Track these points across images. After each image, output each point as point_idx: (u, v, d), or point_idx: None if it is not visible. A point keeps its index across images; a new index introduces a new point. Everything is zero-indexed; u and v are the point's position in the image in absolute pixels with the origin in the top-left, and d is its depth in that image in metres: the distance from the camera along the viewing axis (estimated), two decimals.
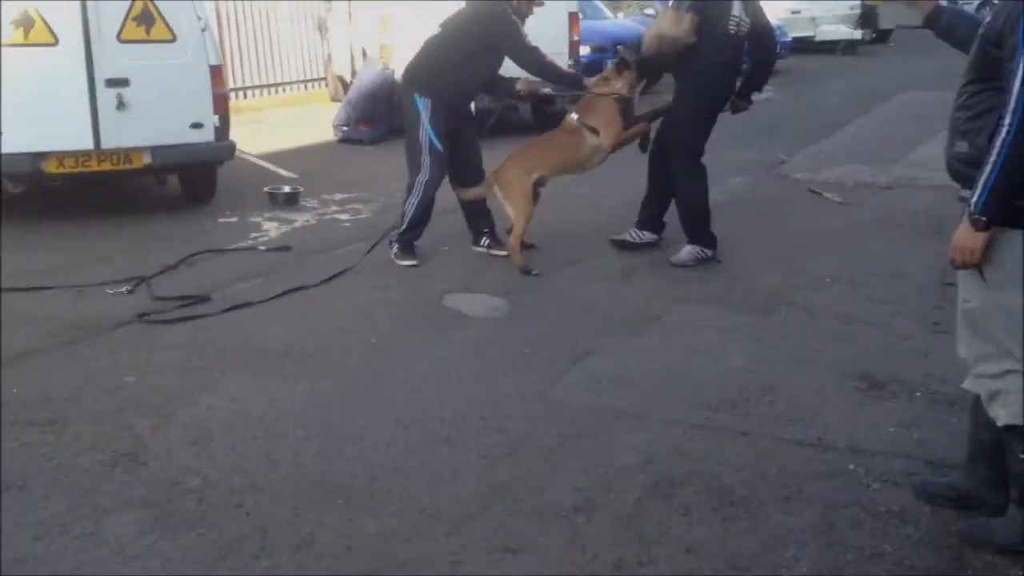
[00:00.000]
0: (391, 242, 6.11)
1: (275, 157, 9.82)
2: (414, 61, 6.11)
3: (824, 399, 4.04)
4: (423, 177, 5.95)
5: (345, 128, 10.85)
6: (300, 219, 7.32)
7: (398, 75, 10.64)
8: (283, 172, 9.08)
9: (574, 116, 6.04)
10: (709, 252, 5.95)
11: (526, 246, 6.12)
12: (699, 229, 5.98)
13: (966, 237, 2.83)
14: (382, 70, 10.77)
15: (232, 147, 7.44)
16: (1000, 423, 2.94)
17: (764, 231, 6.80)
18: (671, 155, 5.95)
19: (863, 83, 15.57)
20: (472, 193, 6.11)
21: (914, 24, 3.32)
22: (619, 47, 6.13)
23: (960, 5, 24.09)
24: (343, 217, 7.39)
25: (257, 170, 9.25)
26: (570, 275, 5.80)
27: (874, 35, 21.13)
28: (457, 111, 6.02)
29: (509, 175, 5.97)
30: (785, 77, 16.35)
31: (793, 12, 20.10)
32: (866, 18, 21.94)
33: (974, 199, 2.77)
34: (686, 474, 3.46)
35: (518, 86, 6.23)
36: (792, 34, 18.35)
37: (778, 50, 16.71)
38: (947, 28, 3.30)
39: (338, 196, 8.08)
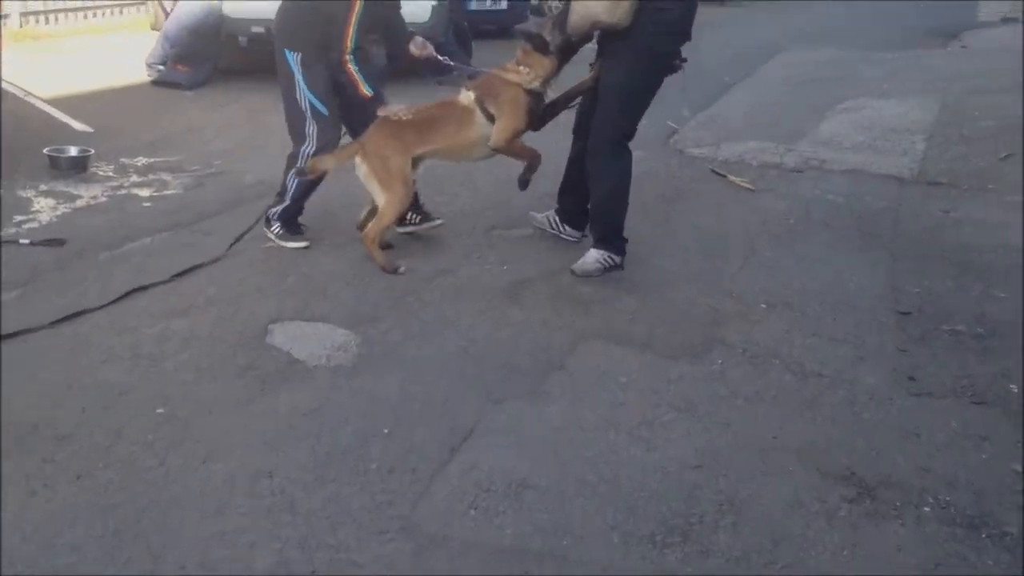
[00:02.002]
0: (269, 220, 4.87)
1: (70, 102, 7.95)
2: (281, 8, 4.76)
3: (805, 521, 2.87)
4: (308, 148, 4.75)
5: (161, 68, 9.03)
6: (86, 194, 5.64)
7: (226, 8, 9.00)
8: (75, 124, 7.27)
9: (470, 93, 4.71)
10: (617, 259, 4.74)
11: (382, 246, 4.77)
12: (614, 231, 4.77)
13: None
14: (207, 1, 8.98)
15: None
16: None
17: (670, 227, 5.62)
18: (596, 140, 4.68)
19: (738, 37, 14.62)
20: (322, 163, 4.66)
21: None
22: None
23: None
24: (143, 193, 5.75)
25: (43, 120, 7.39)
26: (441, 292, 4.45)
27: None
28: (336, 64, 4.64)
29: (382, 148, 4.59)
30: None
31: None
32: None
33: None
34: None
35: (412, 48, 4.89)
36: None
37: None
38: None
39: (141, 160, 6.42)
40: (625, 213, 4.77)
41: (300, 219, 4.98)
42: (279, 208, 4.88)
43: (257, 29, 8.93)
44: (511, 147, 4.75)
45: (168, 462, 3.00)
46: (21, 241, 4.75)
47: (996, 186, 6.54)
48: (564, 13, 4.57)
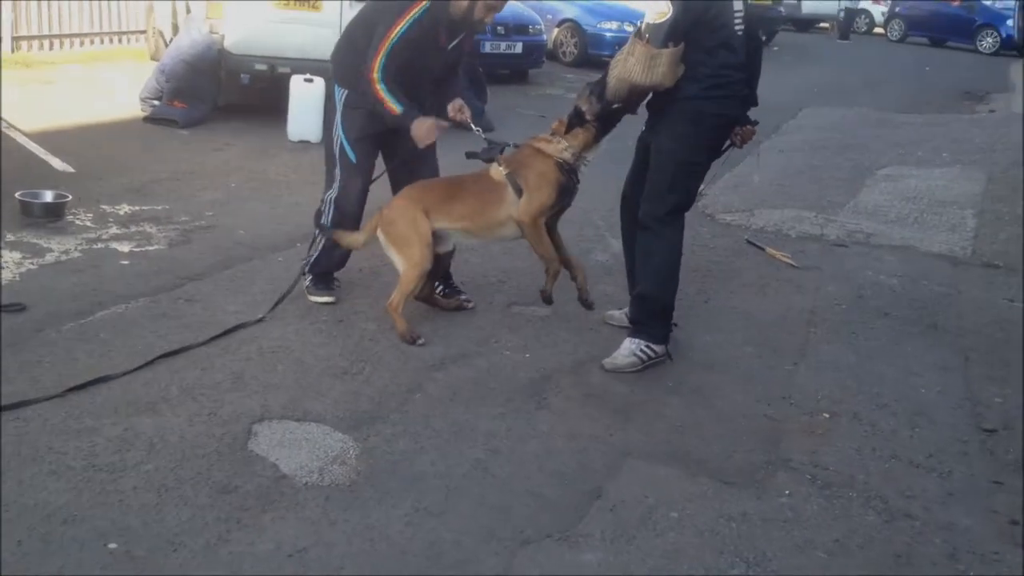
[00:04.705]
0: (303, 273, 4.64)
1: (54, 137, 7.38)
2: (339, 41, 4.58)
3: None
4: (331, 194, 4.51)
5: (155, 103, 8.46)
6: (57, 248, 5.01)
7: (228, 43, 8.45)
8: (55, 162, 6.70)
9: (501, 168, 4.22)
10: (657, 350, 4.14)
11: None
12: (654, 317, 4.18)
13: None
14: (208, 34, 8.43)
15: None
16: None
17: (709, 309, 5.03)
18: (646, 212, 4.12)
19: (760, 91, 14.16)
20: (349, 239, 4.40)
21: None
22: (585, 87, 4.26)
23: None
24: (122, 248, 5.12)
25: (20, 157, 6.82)
26: (453, 388, 3.83)
27: (763, 38, 20.02)
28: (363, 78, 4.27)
29: (398, 214, 4.22)
30: None
31: None
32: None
33: None
34: None
35: (449, 108, 4.42)
36: None
37: None
38: None
39: (124, 209, 5.81)
40: (674, 296, 4.18)
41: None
42: (310, 259, 4.59)
43: (260, 66, 8.41)
44: (535, 228, 4.22)
45: None
46: None
47: None
48: (602, 80, 4.07)
